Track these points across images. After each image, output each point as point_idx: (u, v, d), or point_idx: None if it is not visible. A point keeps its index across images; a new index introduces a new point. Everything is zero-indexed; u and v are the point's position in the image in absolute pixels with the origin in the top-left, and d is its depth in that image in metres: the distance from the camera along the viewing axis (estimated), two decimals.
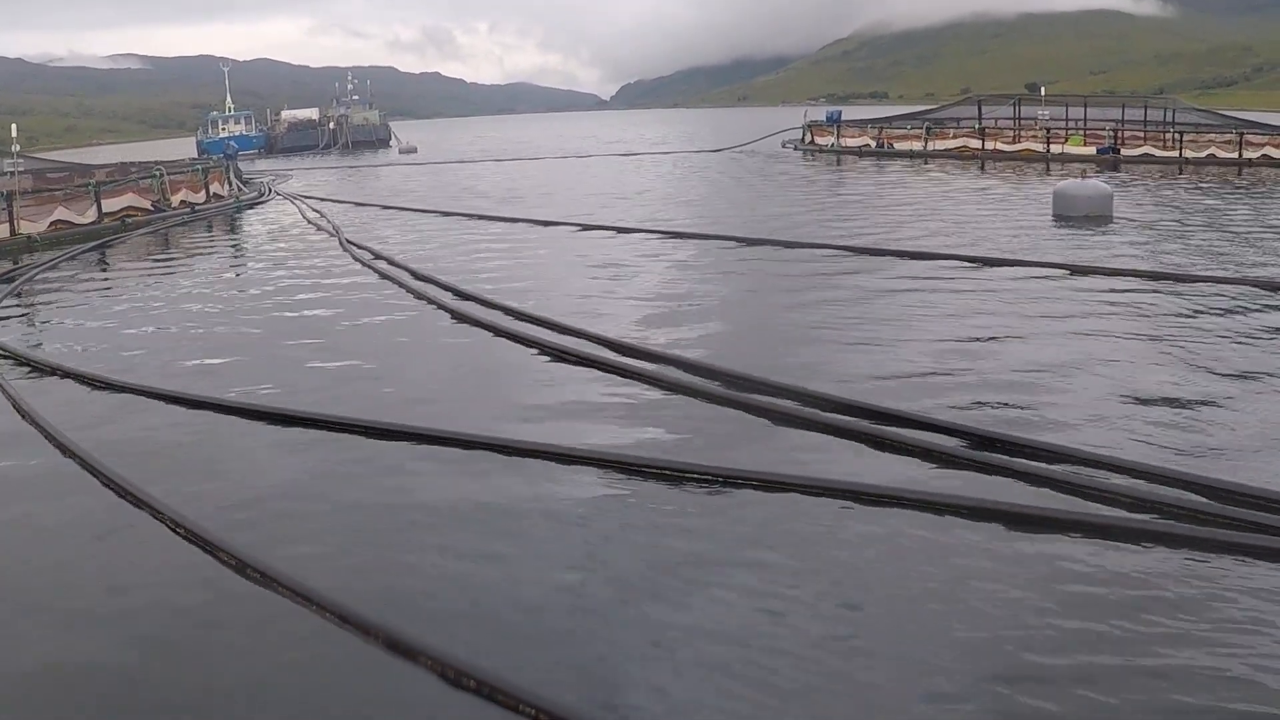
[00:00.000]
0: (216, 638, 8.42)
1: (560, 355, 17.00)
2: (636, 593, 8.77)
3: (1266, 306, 19.08)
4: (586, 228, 33.93)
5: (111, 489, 11.71)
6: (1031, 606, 8.25)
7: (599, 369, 15.98)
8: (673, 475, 11.25)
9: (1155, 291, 20.45)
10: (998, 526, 9.72)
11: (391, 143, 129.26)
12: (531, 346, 17.75)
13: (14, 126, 50.63)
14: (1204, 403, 13.20)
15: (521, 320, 19.58)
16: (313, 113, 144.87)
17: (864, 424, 12.54)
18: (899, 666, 7.49)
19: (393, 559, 9.71)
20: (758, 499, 10.62)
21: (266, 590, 8.98)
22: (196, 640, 8.39)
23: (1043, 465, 11.02)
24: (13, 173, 45.25)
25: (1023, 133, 63.46)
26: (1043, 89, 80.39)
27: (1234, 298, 19.78)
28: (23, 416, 15.04)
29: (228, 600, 9.03)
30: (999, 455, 11.31)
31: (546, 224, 35.32)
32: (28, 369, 18.24)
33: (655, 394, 14.63)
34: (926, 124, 69.25)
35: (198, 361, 18.32)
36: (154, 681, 7.84)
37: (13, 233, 38.57)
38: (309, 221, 41.21)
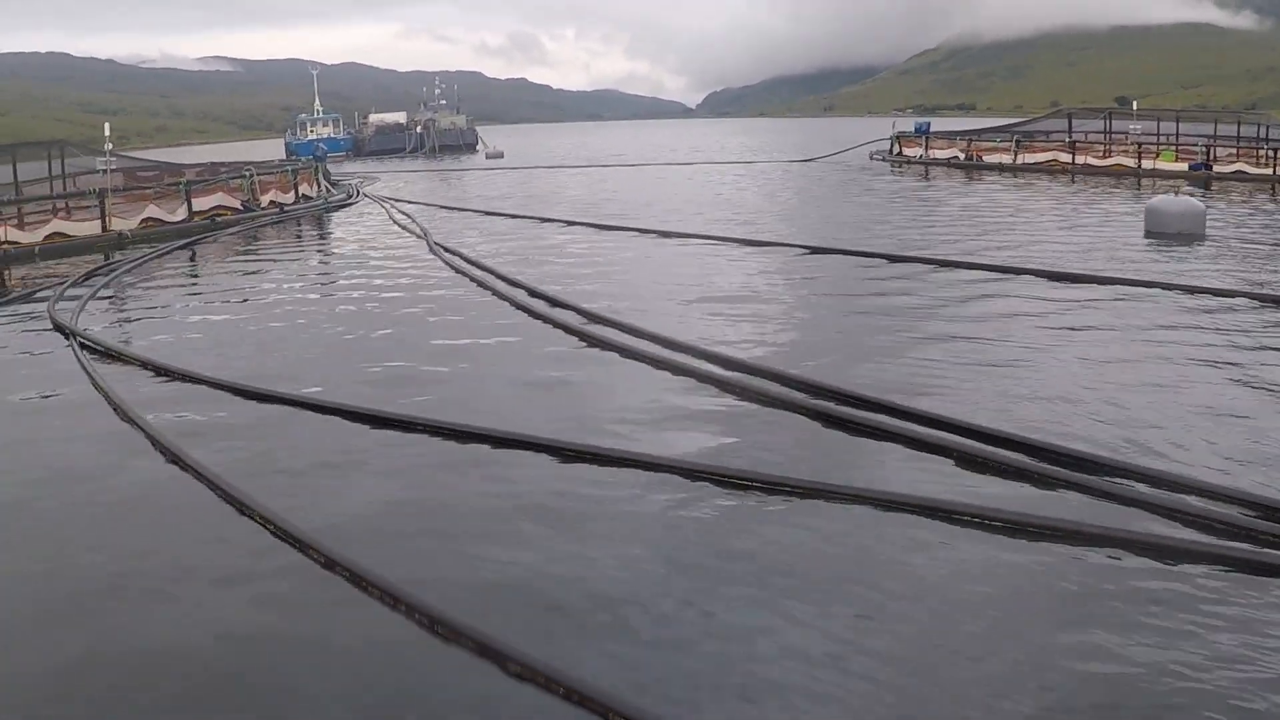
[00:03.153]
0: (311, 639, 8.44)
1: (647, 361, 16.90)
2: (712, 600, 8.71)
3: None
4: (675, 235, 33.75)
5: (209, 486, 11.83)
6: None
7: (688, 377, 15.86)
8: (755, 486, 11.14)
9: (1255, 311, 19.87)
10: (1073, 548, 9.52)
11: (478, 147, 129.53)
12: (614, 350, 17.73)
13: (107, 125, 51.28)
14: None
15: (605, 325, 19.50)
16: (400, 116, 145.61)
17: (955, 439, 12.31)
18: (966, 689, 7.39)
19: (474, 559, 9.74)
20: (834, 510, 10.53)
21: (360, 592, 9.02)
22: (293, 638, 8.45)
23: (1137, 488, 10.75)
24: (105, 170, 45.78)
25: (1114, 147, 62.45)
26: (1134, 103, 79.15)
27: None
28: (116, 411, 15.22)
29: (318, 599, 9.07)
30: (1087, 476, 11.04)
31: (636, 231, 35.18)
32: (115, 361, 18.49)
33: (740, 403, 14.51)
34: (1016, 137, 68.22)
35: (282, 358, 18.46)
36: (245, 680, 7.89)
37: (104, 229, 39.09)
38: (397, 224, 41.39)
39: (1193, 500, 10.36)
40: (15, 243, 37.47)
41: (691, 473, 11.52)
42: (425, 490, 11.57)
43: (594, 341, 18.51)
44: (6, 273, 33.54)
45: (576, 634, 8.22)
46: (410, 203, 51.26)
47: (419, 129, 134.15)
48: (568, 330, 19.47)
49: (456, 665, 7.84)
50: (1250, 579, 8.85)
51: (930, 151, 72.09)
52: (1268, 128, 61.94)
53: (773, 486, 11.06)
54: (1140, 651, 7.77)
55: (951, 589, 8.86)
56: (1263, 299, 20.81)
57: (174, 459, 12.76)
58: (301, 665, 8.04)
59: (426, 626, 8.30)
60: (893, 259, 26.92)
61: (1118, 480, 10.90)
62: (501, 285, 24.59)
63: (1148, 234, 30.80)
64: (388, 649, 8.12)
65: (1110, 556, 9.32)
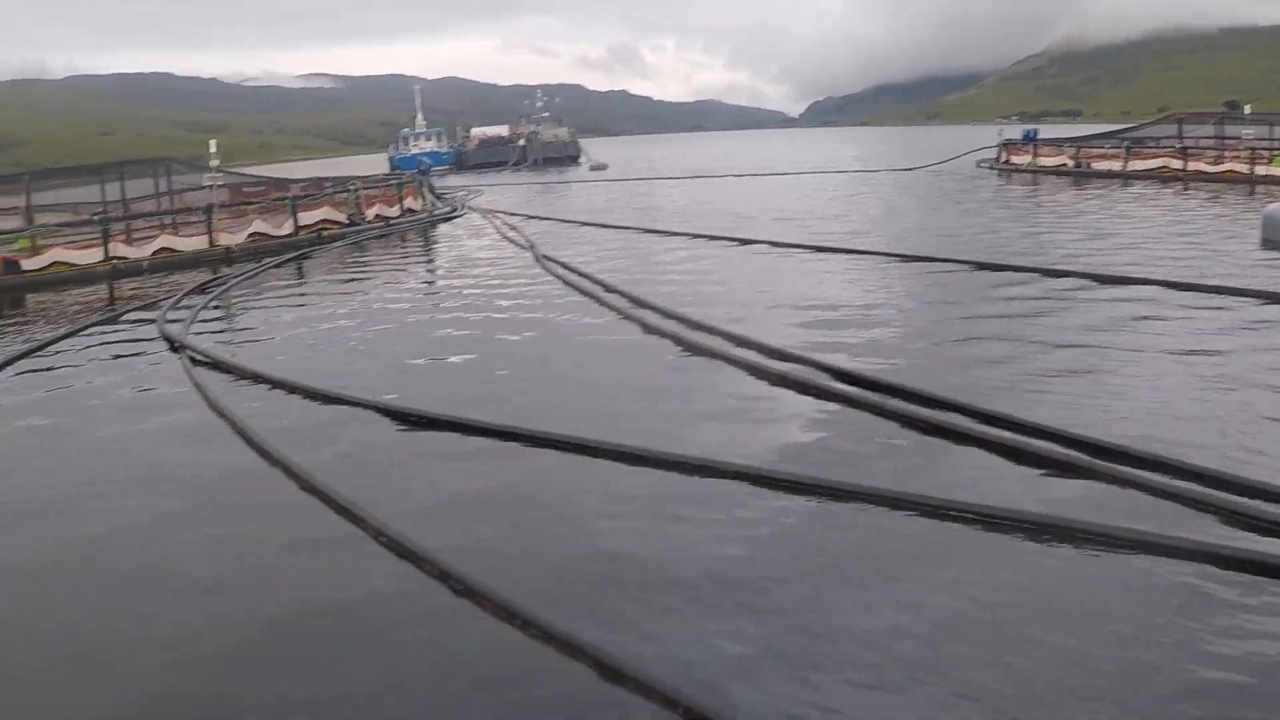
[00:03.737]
0: (407, 642, 8.54)
1: (749, 369, 16.84)
2: (803, 606, 8.71)
3: None
4: (778, 245, 33.50)
5: (321, 499, 11.96)
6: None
7: (789, 385, 15.72)
8: (847, 494, 11.03)
9: None
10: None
11: (581, 159, 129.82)
12: (719, 358, 17.66)
13: (212, 143, 51.96)
14: None
15: (709, 333, 19.44)
16: (503, 129, 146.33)
17: (1054, 448, 12.02)
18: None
19: (563, 563, 9.84)
20: (927, 526, 10.34)
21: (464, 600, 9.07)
22: (395, 644, 8.51)
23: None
24: (211, 186, 46.41)
25: (1225, 153, 61.13)
26: (1246, 107, 77.51)
27: None
28: (224, 421, 15.44)
29: (425, 607, 9.13)
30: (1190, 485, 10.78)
31: (739, 242, 34.92)
32: (224, 373, 18.80)
33: (839, 410, 14.41)
34: (1125, 143, 67.06)
35: (389, 369, 18.66)
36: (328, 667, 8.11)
37: (211, 244, 39.60)
38: (502, 236, 41.57)
39: None
40: (124, 258, 38.14)
41: (785, 483, 11.42)
42: (526, 497, 11.67)
43: (697, 350, 18.48)
44: (116, 287, 34.03)
45: (661, 639, 8.25)
46: (515, 215, 51.52)
47: (522, 142, 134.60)
48: (674, 339, 19.44)
49: (541, 663, 7.94)
50: None
51: (1038, 159, 70.97)
52: None
53: (868, 496, 10.93)
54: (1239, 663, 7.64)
55: (1039, 600, 8.76)
56: None
57: (287, 471, 12.87)
58: (382, 661, 8.13)
59: (520, 628, 8.39)
60: (999, 268, 26.39)
61: (1221, 493, 10.56)
62: (607, 295, 24.63)
63: (1265, 242, 29.91)
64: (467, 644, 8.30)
65: (1201, 573, 9.08)
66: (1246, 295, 21.49)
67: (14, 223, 43.88)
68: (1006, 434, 12.66)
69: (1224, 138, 63.99)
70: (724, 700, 7.21)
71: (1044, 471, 11.54)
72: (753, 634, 8.30)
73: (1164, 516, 10.08)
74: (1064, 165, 67.79)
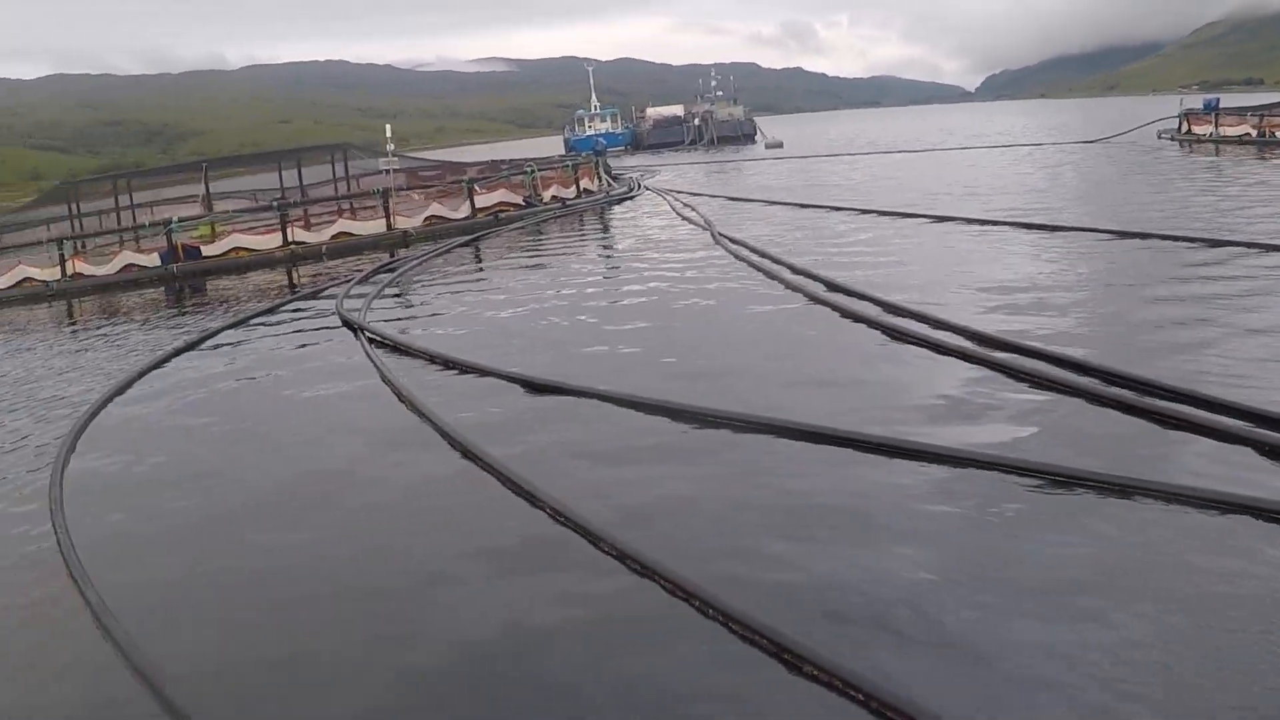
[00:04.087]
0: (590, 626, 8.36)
1: (938, 349, 16.16)
2: (1011, 605, 8.17)
3: None
4: (961, 220, 32.50)
5: (498, 478, 11.74)
6: None
7: (985, 366, 15.00)
8: (1058, 478, 10.43)
9: None
10: None
11: (756, 138, 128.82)
12: (911, 341, 16.90)
13: (389, 127, 52.59)
14: None
15: (901, 315, 18.62)
16: (677, 109, 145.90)
17: (1263, 432, 11.11)
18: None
19: (761, 554, 9.38)
20: (1140, 508, 9.72)
21: (649, 581, 8.86)
22: (574, 631, 8.32)
23: None
24: (388, 171, 46.72)
25: None
26: None
27: None
28: (403, 403, 15.47)
29: (601, 591, 8.95)
30: None
31: (921, 218, 33.95)
32: (403, 355, 18.92)
33: (1031, 392, 13.71)
34: None
35: (566, 350, 18.49)
36: (527, 672, 7.77)
37: (389, 227, 39.86)
38: (679, 215, 41.11)
39: None
40: (303, 243, 38.57)
41: (990, 464, 10.91)
42: (713, 483, 11.24)
43: (889, 331, 17.76)
44: (295, 271, 34.36)
45: (865, 636, 7.82)
46: (691, 194, 51.00)
47: (697, 121, 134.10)
48: (869, 323, 18.60)
49: (749, 663, 7.55)
50: None
51: (1220, 129, 68.83)
52: None
53: (1074, 480, 10.31)
54: None
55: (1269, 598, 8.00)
56: None
57: (464, 451, 12.80)
58: (582, 658, 7.91)
59: (722, 624, 8.01)
60: (1193, 241, 25.11)
61: None
62: (787, 274, 23.97)
63: None
64: (671, 645, 7.95)
65: None
66: None
67: (194, 210, 44.71)
68: (1190, 409, 12.02)
69: None
70: None
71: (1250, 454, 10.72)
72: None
73: None
74: (1247, 135, 65.55)
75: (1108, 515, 9.59)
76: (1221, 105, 73.54)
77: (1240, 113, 69.60)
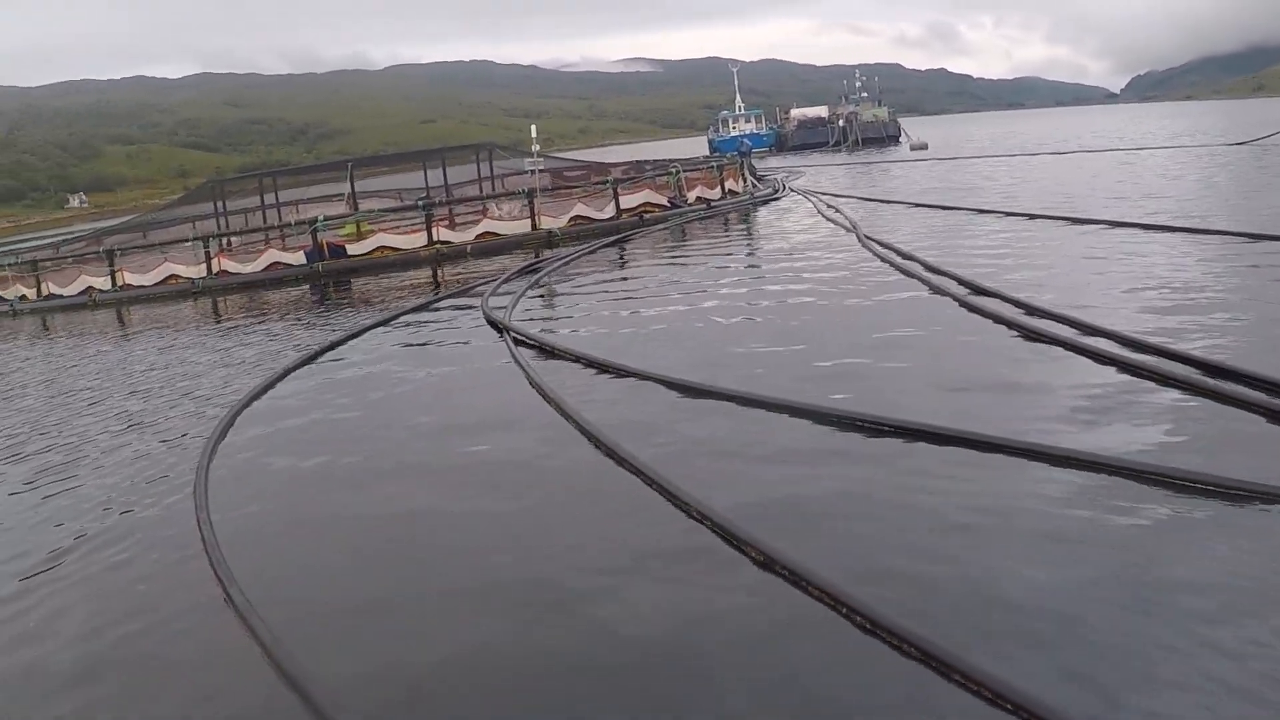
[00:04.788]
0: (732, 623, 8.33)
1: (1080, 351, 15.82)
2: (1149, 618, 7.91)
3: None
4: (1105, 224, 31.80)
5: (645, 480, 11.68)
6: None
7: (1118, 367, 14.76)
8: (1205, 488, 10.10)
9: None
10: None
11: (901, 139, 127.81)
12: (1053, 343, 16.57)
13: (534, 127, 52.78)
14: None
15: (1043, 318, 18.26)
16: (821, 110, 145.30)
17: None
18: None
19: (892, 557, 9.33)
20: None
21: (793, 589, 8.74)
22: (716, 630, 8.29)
23: None
24: (533, 171, 46.89)
25: None
26: None
27: None
28: (549, 403, 15.51)
29: (748, 594, 8.85)
30: None
31: (1067, 221, 33.26)
32: (548, 355, 19.02)
33: (1177, 397, 13.33)
34: None
35: (712, 351, 18.35)
36: (666, 670, 7.76)
37: (534, 227, 39.93)
38: (824, 217, 40.70)
39: None
40: (448, 242, 38.79)
41: (1134, 472, 10.61)
42: (859, 486, 11.16)
43: (1030, 334, 17.48)
44: (440, 271, 34.53)
45: (1010, 644, 7.71)
46: (836, 195, 50.51)
47: (841, 123, 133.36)
48: (1010, 324, 18.36)
49: (896, 670, 7.46)
50: None
51: None
52: None
53: (1225, 490, 10.00)
54: None
55: None
56: None
57: (608, 451, 12.84)
58: (726, 660, 7.87)
59: (869, 631, 7.93)
60: None
61: None
62: (934, 278, 23.63)
63: None
64: (817, 650, 7.90)
65: None
66: None
67: (339, 209, 45.20)
68: None
69: None
70: None
71: None
72: None
73: None
74: None
75: (1253, 525, 9.36)
76: None
77: None
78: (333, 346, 22.61)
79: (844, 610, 8.15)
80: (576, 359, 18.21)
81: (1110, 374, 14.55)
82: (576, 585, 9.36)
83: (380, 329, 24.32)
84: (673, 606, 8.75)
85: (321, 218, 40.36)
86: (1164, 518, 9.61)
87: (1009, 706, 6.74)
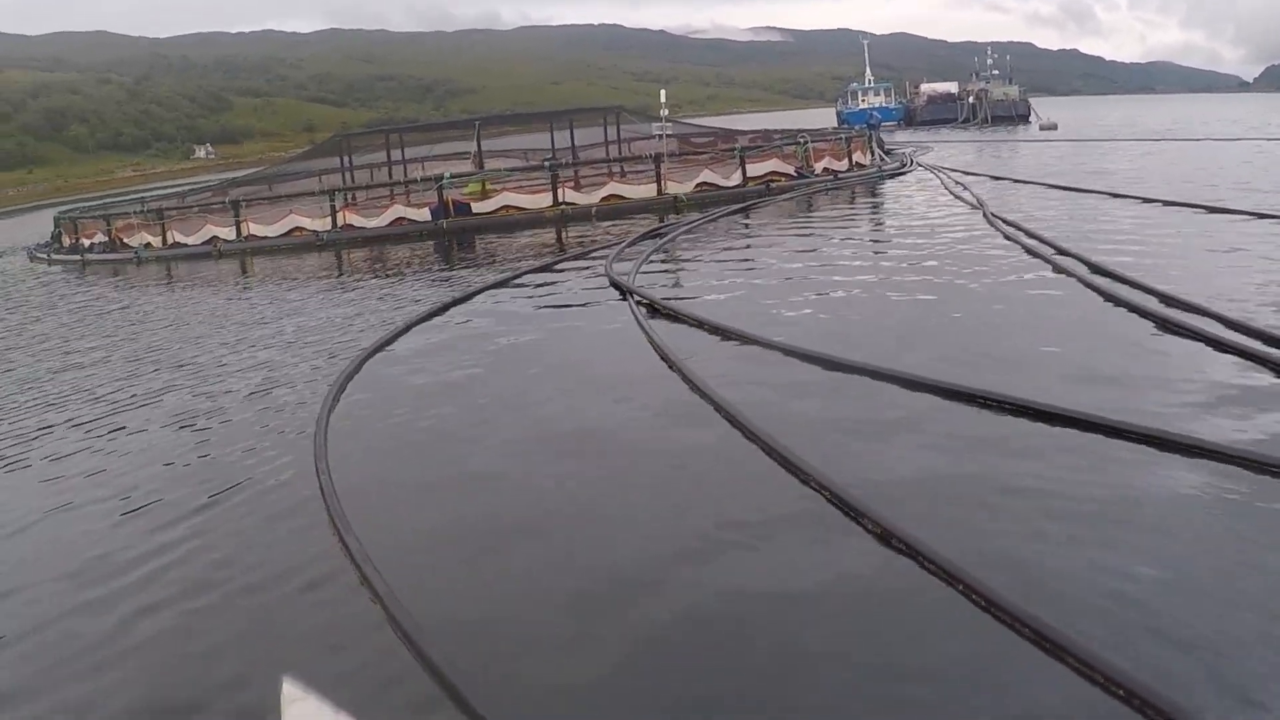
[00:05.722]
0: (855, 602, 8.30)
1: (1217, 345, 15.34)
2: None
3: None
4: (1240, 214, 31.20)
5: (763, 449, 11.61)
6: None
7: (1246, 357, 14.44)
8: None
9: None
10: None
11: (1031, 119, 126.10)
12: (1181, 333, 16.21)
13: (663, 92, 52.59)
14: None
15: (1173, 305, 17.84)
16: (951, 86, 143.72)
17: None
18: None
19: (1012, 542, 9.18)
20: None
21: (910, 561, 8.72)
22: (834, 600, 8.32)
23: None
24: (661, 136, 46.75)
25: None
26: None
27: None
28: (669, 366, 15.51)
29: (865, 567, 8.83)
30: None
31: (1202, 209, 32.62)
32: (670, 319, 18.99)
33: None
34: None
35: (831, 322, 18.32)
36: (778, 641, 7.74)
37: (660, 192, 39.80)
38: (951, 193, 40.23)
39: None
40: (573, 204, 38.78)
41: (1258, 462, 10.39)
42: (979, 465, 11.06)
43: (1174, 327, 16.88)
44: (564, 231, 34.52)
45: (1125, 631, 7.59)
46: (964, 173, 49.70)
47: (971, 99, 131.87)
48: (1142, 313, 17.87)
49: (1009, 649, 7.40)
50: None
51: None
52: None
53: None
54: None
55: None
56: None
57: (729, 418, 12.80)
58: (841, 630, 7.90)
59: (984, 608, 7.85)
60: None
61: None
62: (1061, 259, 23.26)
63: None
64: (930, 625, 7.88)
65: None
66: None
67: (464, 166, 45.35)
68: None
69: None
70: None
71: None
72: None
73: None
74: None
75: None
76: None
77: None
78: (455, 303, 22.82)
79: (960, 587, 8.11)
80: (699, 323, 18.19)
81: (1236, 363, 14.35)
82: (688, 549, 9.36)
83: (503, 288, 24.45)
84: (786, 573, 8.75)
85: (448, 174, 40.55)
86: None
87: (1121, 693, 6.67)
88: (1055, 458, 11.03)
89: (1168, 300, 18.18)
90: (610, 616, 8.34)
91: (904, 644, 7.62)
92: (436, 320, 21.36)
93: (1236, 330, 15.88)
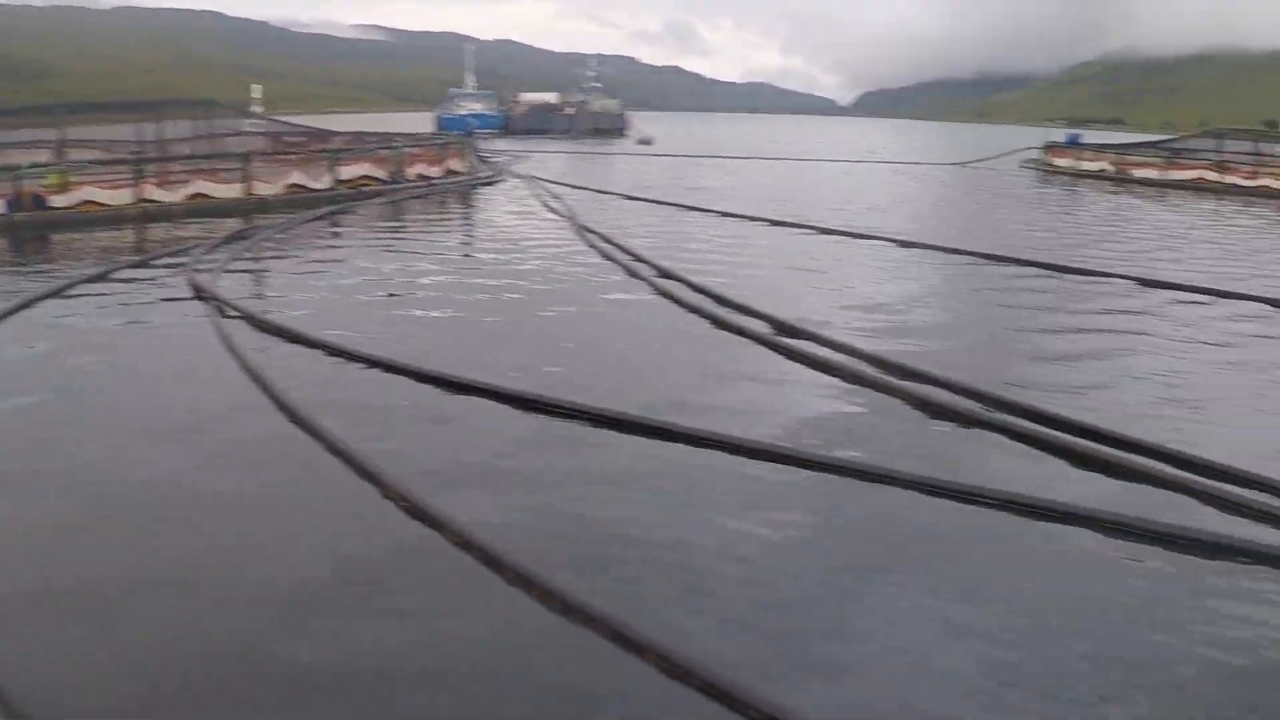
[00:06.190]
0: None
1: (772, 347, 17.41)
2: (818, 585, 9.07)
3: None
4: (819, 230, 34.06)
5: (327, 448, 11.88)
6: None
7: (814, 367, 16.24)
8: (861, 475, 11.48)
9: None
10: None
11: (628, 132, 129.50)
12: (749, 338, 18.07)
13: (257, 88, 51.61)
14: None
15: (741, 312, 19.82)
16: (552, 97, 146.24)
17: (1064, 437, 12.83)
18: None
19: (570, 535, 10.03)
20: (936, 502, 10.92)
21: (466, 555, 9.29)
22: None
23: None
24: (252, 133, 45.98)
25: (1260, 169, 61.85)
26: None
27: None
28: (247, 374, 15.39)
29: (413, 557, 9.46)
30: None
31: (780, 224, 35.42)
32: (251, 325, 18.73)
33: (858, 393, 14.98)
34: (1165, 154, 68.57)
35: (413, 333, 18.75)
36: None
37: (248, 193, 39.14)
38: (543, 204, 41.31)
39: None
40: (157, 201, 37.65)
41: (805, 462, 11.80)
42: (545, 465, 11.83)
43: (728, 327, 18.80)
44: (145, 231, 33.67)
45: (678, 616, 8.38)
46: (558, 184, 51.19)
47: (571, 110, 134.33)
48: (701, 314, 19.84)
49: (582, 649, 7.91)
50: None
51: (1079, 162, 72.87)
52: None
53: (879, 477, 11.38)
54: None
55: (1053, 585, 9.25)
56: None
57: (291, 417, 13.17)
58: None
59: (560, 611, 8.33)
60: (1030, 264, 27.70)
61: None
62: (641, 267, 24.86)
63: None
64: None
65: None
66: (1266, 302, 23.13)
67: (44, 157, 43.52)
68: (998, 415, 13.69)
69: (1261, 154, 65.34)
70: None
71: (1067, 463, 12.24)
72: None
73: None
74: (1104, 170, 70.03)
75: (893, 506, 10.72)
76: (1083, 141, 77.94)
77: (1099, 149, 73.76)
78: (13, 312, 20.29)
79: (537, 593, 8.51)
80: (279, 330, 18.02)
81: (791, 367, 16.24)
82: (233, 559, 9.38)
83: (69, 297, 22.21)
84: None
85: (27, 164, 38.84)
86: (820, 500, 10.76)
87: (697, 685, 7.21)
88: (624, 458, 11.96)
89: (730, 305, 20.15)
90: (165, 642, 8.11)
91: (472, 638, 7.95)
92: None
93: (789, 334, 17.87)
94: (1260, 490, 11.12)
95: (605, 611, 8.01)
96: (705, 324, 19.26)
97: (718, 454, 12.05)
